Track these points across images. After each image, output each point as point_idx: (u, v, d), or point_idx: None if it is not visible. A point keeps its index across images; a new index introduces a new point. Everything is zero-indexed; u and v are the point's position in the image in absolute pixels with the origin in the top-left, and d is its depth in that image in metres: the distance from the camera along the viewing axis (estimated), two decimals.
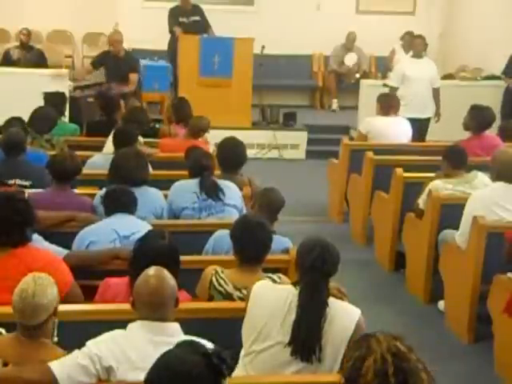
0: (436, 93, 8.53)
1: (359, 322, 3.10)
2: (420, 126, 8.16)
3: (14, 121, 6.14)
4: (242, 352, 3.22)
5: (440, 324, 5.37)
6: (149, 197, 4.73)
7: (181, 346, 2.26)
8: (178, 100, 7.81)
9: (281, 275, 3.68)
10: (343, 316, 3.11)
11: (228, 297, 3.59)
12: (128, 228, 4.15)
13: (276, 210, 4.34)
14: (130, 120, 6.42)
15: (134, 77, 9.15)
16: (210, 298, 3.62)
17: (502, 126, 7.43)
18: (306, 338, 3.05)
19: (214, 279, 3.62)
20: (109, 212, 4.30)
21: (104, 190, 4.53)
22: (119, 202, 4.28)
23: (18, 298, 2.85)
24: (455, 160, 5.70)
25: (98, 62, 9.30)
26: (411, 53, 8.94)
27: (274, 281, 3.54)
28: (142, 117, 6.76)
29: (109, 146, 6.11)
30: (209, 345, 2.41)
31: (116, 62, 9.03)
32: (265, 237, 3.64)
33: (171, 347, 2.27)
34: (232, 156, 5.41)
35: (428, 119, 8.50)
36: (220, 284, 3.61)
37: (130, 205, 4.31)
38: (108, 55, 9.26)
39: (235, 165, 5.42)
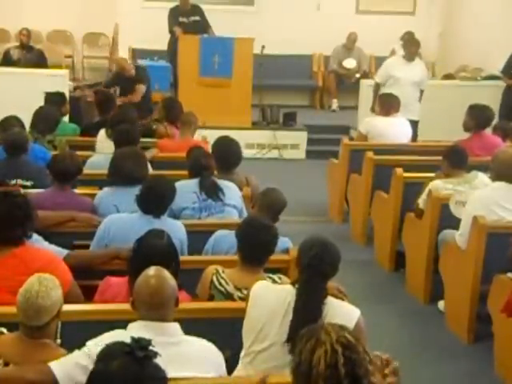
0: (421, 94, 8.55)
1: (358, 322, 3.10)
2: None
3: (12, 119, 6.13)
4: (242, 352, 3.22)
5: (440, 324, 5.37)
6: None
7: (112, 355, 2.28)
8: (169, 100, 7.63)
9: (281, 276, 3.68)
10: (342, 316, 3.10)
11: (228, 296, 3.59)
12: None
13: (277, 211, 4.32)
14: (120, 120, 6.16)
15: (139, 88, 8.49)
16: (211, 298, 3.62)
17: (502, 126, 7.40)
18: None
19: (214, 278, 3.62)
20: (137, 204, 4.22)
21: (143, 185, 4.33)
22: (148, 205, 4.19)
23: (22, 298, 2.85)
24: (455, 160, 5.70)
25: (110, 84, 8.65)
26: (403, 53, 8.87)
27: (274, 281, 3.54)
28: (132, 115, 6.59)
29: (103, 145, 6.12)
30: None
31: (128, 82, 8.48)
32: (268, 240, 3.63)
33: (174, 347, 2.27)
34: (226, 155, 5.39)
35: (415, 122, 8.35)
36: (221, 284, 3.61)
37: (157, 206, 4.21)
38: (120, 76, 8.63)
39: (230, 164, 5.39)
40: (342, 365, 2.13)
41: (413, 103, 8.37)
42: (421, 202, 5.73)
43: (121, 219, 4.26)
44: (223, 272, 3.64)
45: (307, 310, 3.07)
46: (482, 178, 5.57)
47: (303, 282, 3.13)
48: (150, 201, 4.21)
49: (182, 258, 3.55)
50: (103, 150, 6.09)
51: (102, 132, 6.34)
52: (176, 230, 4.14)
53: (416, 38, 8.89)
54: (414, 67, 8.51)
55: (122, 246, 4.01)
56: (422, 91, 8.55)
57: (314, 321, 3.05)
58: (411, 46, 8.67)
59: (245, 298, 3.43)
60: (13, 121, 6.06)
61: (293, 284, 3.22)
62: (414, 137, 8.28)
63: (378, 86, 8.39)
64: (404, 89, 8.20)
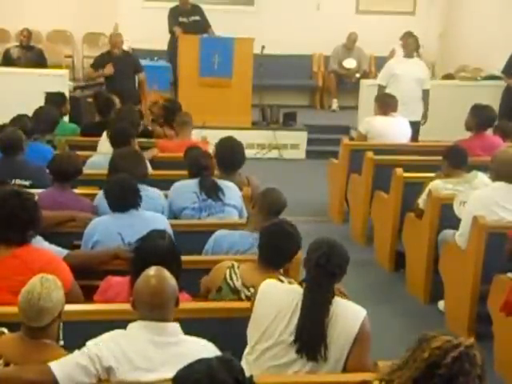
0: (425, 94, 8.43)
1: (364, 322, 3.10)
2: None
3: (23, 118, 6.10)
4: (246, 350, 3.21)
5: (440, 324, 5.36)
6: (150, 195, 4.71)
7: (220, 359, 2.25)
8: (171, 103, 7.65)
9: (291, 279, 3.65)
10: (348, 316, 3.11)
11: (235, 292, 3.59)
12: (134, 232, 3.95)
13: (277, 211, 4.29)
14: (122, 120, 6.28)
15: (142, 76, 9.08)
16: (219, 289, 3.63)
17: (502, 126, 7.39)
18: (309, 337, 3.06)
19: (227, 272, 3.63)
20: (113, 209, 4.25)
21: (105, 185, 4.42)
22: (123, 200, 4.21)
23: (24, 299, 2.85)
24: (455, 160, 5.70)
25: (97, 65, 9.06)
26: (403, 52, 8.86)
27: (282, 282, 3.52)
28: (134, 117, 6.64)
29: (103, 145, 6.13)
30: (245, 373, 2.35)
31: (118, 63, 8.85)
32: (289, 248, 3.61)
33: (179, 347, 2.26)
34: (230, 156, 5.39)
35: (417, 122, 8.30)
36: (231, 278, 3.62)
37: (135, 199, 4.24)
38: (108, 56, 9.05)
39: (234, 165, 5.39)
40: (444, 364, 2.30)
41: (415, 102, 8.28)
42: (421, 202, 5.73)
43: (103, 221, 4.26)
44: (238, 268, 3.64)
45: (314, 310, 3.08)
46: (482, 178, 5.57)
47: (311, 281, 3.14)
48: (127, 198, 4.22)
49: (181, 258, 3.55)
50: (102, 150, 6.10)
51: (104, 133, 6.35)
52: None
53: (412, 33, 8.81)
54: (414, 64, 8.44)
55: (109, 246, 4.06)
56: (427, 91, 8.42)
57: (321, 320, 3.06)
58: (407, 38, 8.58)
59: (250, 297, 3.42)
60: (24, 120, 6.03)
61: (301, 284, 3.22)
62: (415, 139, 8.24)
63: (382, 89, 8.33)
64: (404, 86, 8.14)
